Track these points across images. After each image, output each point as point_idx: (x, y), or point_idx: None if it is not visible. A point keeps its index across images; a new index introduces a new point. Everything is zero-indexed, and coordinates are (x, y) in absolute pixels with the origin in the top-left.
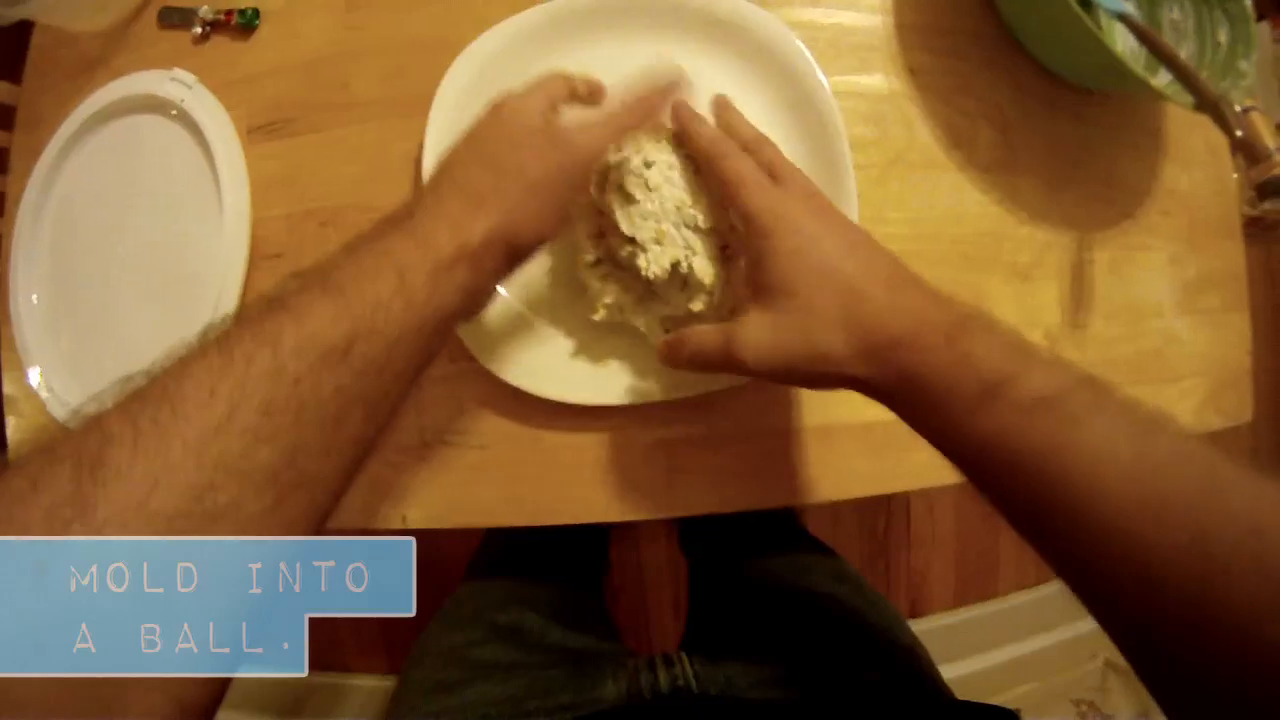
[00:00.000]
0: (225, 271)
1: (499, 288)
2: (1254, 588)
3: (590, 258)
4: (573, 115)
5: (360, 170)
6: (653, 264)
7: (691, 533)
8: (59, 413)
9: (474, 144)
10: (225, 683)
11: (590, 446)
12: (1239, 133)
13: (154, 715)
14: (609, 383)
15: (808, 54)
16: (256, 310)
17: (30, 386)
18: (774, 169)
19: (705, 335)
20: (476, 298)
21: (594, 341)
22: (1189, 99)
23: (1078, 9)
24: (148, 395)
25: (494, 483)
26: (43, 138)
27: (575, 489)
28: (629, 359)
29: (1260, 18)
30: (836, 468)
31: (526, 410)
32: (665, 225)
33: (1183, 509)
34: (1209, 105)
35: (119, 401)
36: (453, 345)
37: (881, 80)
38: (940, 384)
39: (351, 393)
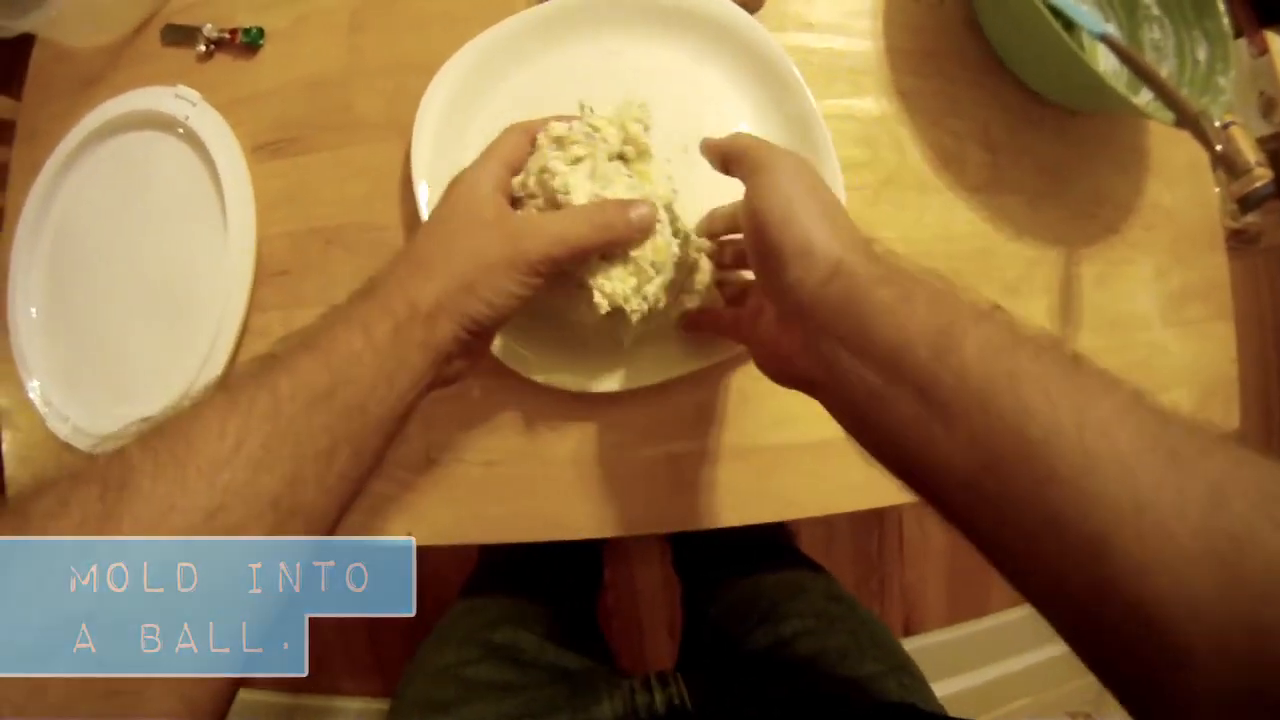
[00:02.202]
0: (230, 288)
1: (485, 350)
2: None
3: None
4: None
5: (365, 189)
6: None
7: (685, 553)
8: (58, 428)
9: (430, 223)
10: (235, 686)
11: (595, 463)
12: (1219, 146)
13: (166, 717)
14: (615, 371)
15: (798, 74)
16: (254, 365)
17: (28, 400)
18: None
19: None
20: (441, 357)
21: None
22: (1170, 116)
23: (1061, 32)
24: (165, 431)
25: (500, 499)
26: (42, 152)
27: (580, 504)
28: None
29: (1238, 35)
30: (834, 481)
31: (533, 427)
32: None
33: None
34: (1189, 121)
35: (139, 437)
36: None
37: (873, 103)
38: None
39: (337, 431)
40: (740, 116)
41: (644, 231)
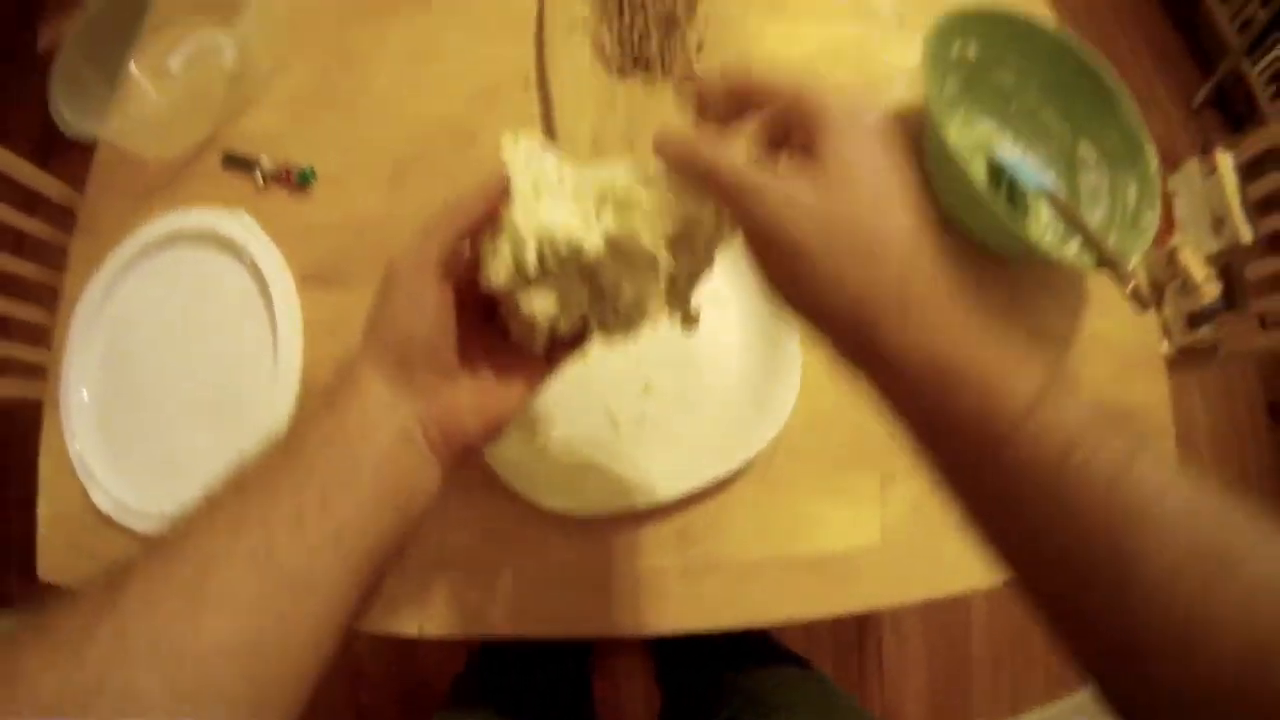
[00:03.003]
0: (276, 399)
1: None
2: None
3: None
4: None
5: None
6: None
7: (668, 663)
8: (100, 500)
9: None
10: None
11: (589, 572)
12: (1131, 284)
13: None
14: (615, 494)
15: None
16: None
17: (71, 470)
18: None
19: (734, 159)
20: (375, 398)
21: (603, 461)
22: (1092, 261)
23: (986, 200)
24: (160, 542)
25: (505, 599)
26: (103, 246)
27: (576, 607)
28: (634, 472)
29: (1205, 150)
30: (799, 593)
31: (538, 534)
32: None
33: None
34: (1107, 263)
35: (147, 549)
36: (470, 481)
37: None
38: (979, 382)
39: (303, 495)
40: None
41: (497, 187)
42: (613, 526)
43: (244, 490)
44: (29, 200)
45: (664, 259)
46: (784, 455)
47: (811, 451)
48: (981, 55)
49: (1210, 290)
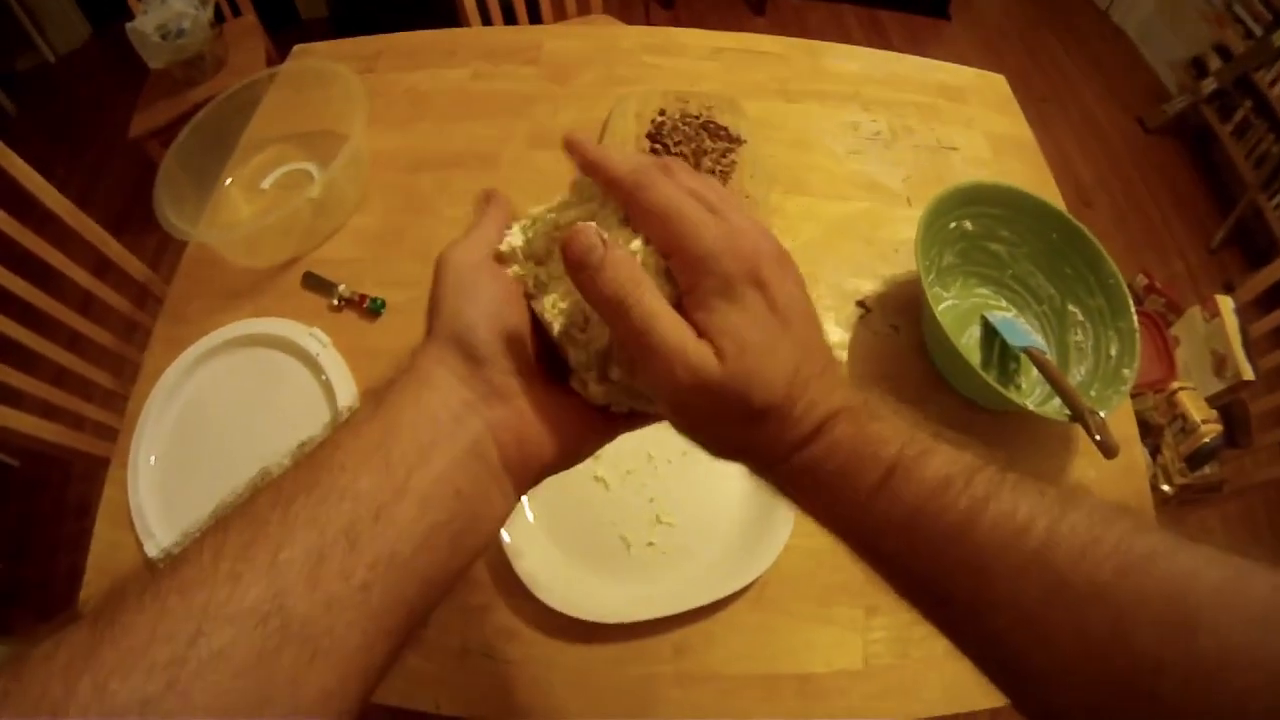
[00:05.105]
0: None
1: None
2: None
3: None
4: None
5: None
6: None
7: None
8: (151, 548)
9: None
10: None
11: (591, 672)
12: (1097, 437)
13: None
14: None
15: None
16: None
17: (128, 520)
18: (701, 194)
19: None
20: (453, 411)
21: (614, 576)
22: (1068, 413)
23: (970, 364)
24: (160, 569)
25: (512, 690)
26: (184, 333)
27: (576, 703)
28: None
29: (1229, 289)
30: (783, 708)
31: (550, 634)
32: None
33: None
34: (1079, 417)
35: (143, 579)
36: (496, 581)
37: None
38: (851, 459)
39: (326, 526)
40: None
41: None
42: (618, 633)
43: (254, 513)
44: (100, 264)
45: None
46: (776, 583)
47: (802, 581)
48: (976, 228)
49: (1210, 430)
